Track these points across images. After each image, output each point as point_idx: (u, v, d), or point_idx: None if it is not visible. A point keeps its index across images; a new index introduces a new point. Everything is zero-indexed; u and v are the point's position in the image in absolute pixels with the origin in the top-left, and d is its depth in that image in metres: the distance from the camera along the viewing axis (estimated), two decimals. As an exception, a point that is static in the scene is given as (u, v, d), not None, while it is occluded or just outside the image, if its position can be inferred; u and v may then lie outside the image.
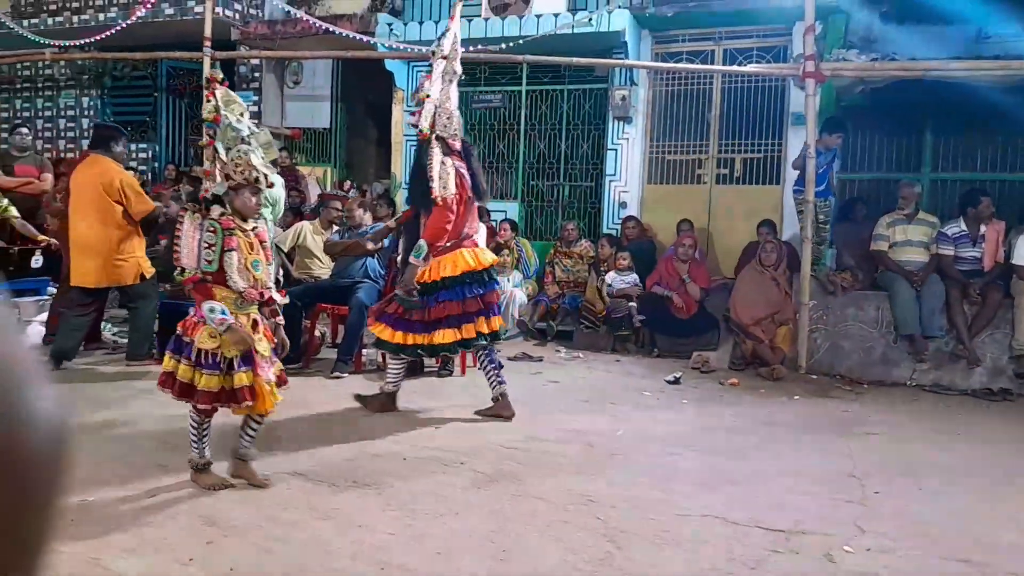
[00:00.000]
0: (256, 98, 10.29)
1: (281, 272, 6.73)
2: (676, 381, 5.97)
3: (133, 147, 11.24)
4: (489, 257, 4.70)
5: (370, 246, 6.02)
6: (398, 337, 4.51)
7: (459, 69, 4.61)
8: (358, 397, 4.82)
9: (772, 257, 6.82)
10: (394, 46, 8.48)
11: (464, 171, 4.50)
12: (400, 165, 9.55)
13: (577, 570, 2.70)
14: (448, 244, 4.48)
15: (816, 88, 6.54)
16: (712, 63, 8.21)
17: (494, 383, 4.74)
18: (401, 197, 9.46)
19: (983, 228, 6.38)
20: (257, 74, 10.28)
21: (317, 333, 6.30)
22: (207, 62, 7.52)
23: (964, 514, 3.40)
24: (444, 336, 4.47)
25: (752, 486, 3.67)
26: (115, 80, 11.42)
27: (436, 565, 2.70)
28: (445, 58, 4.49)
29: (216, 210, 3.24)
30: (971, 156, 7.75)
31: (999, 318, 6.13)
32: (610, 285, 7.42)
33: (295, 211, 8.66)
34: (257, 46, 9.74)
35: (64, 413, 0.52)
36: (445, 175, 4.35)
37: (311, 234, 7.17)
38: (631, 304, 7.19)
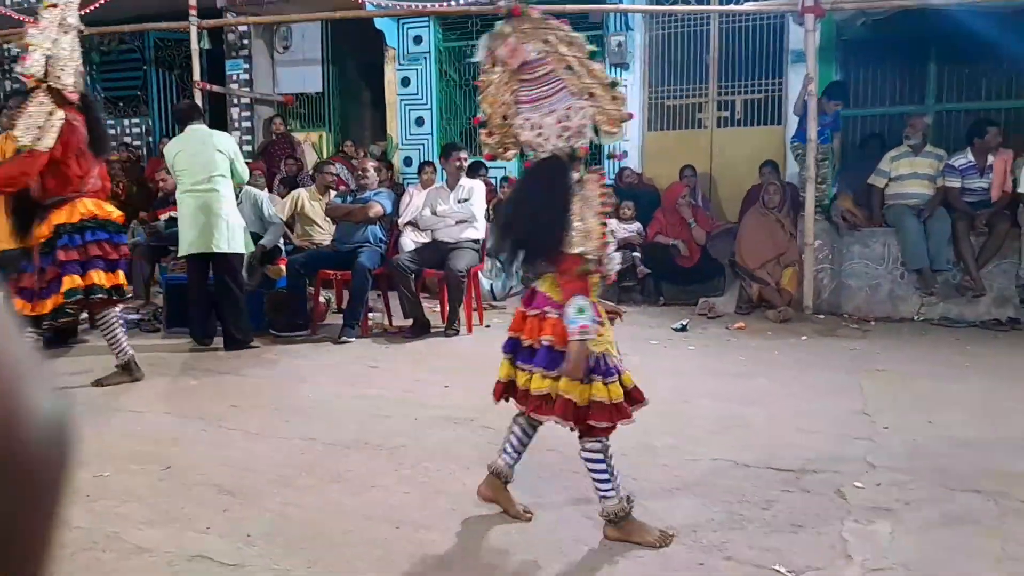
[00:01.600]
0: (246, 65, 10.16)
1: (282, 240, 6.71)
2: (683, 328, 5.96)
3: (126, 122, 11.18)
4: (114, 211, 4.47)
5: (372, 212, 5.97)
6: (27, 309, 4.20)
7: (74, 20, 4.31)
8: (96, 383, 4.53)
9: (775, 199, 6.76)
10: (383, 4, 8.32)
11: (79, 124, 4.28)
12: (396, 126, 9.45)
13: (590, 518, 2.72)
14: (67, 197, 4.26)
15: (816, 23, 6.38)
16: (708, 3, 8.03)
17: (117, 350, 4.51)
18: (399, 158, 9.40)
19: (991, 158, 6.28)
20: (246, 41, 10.12)
21: (322, 299, 6.31)
22: (194, 32, 7.41)
23: (975, 445, 3.41)
24: (69, 283, 4.19)
25: (762, 428, 3.69)
26: (103, 55, 11.27)
27: (450, 521, 2.72)
28: (55, 5, 4.21)
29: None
30: (976, 85, 7.60)
31: (1007, 247, 6.07)
32: (612, 232, 7.35)
33: (291, 181, 8.59)
34: (244, 12, 9.56)
35: (65, 411, 0.50)
36: (47, 127, 4.10)
37: (308, 200, 7.13)
38: (634, 255, 7.15)
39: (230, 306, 5.47)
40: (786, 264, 6.59)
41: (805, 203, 6.46)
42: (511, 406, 2.74)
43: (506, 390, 2.67)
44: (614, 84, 2.57)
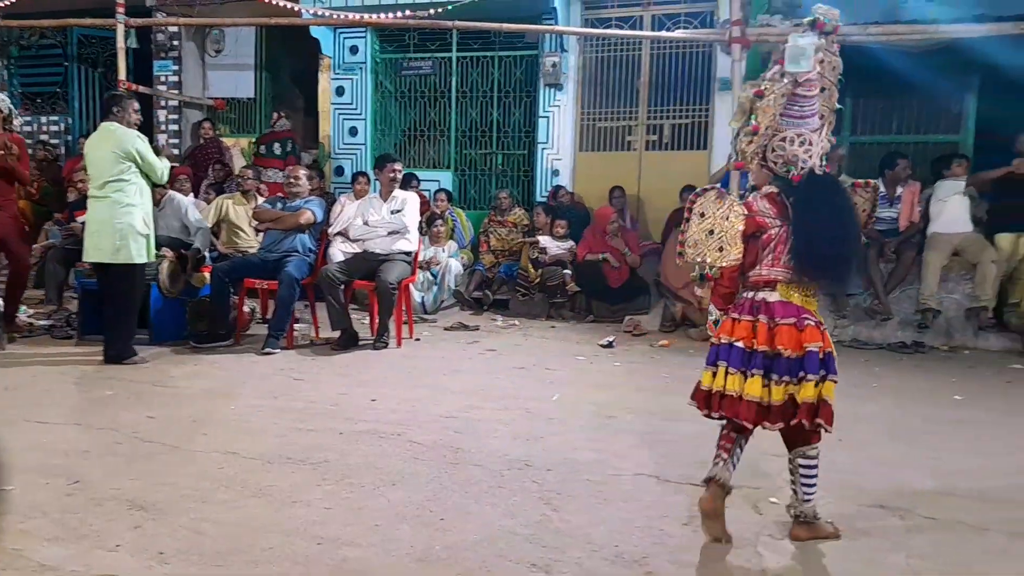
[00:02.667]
0: (176, 67, 9.89)
1: (207, 248, 6.54)
2: (610, 345, 6.06)
3: (44, 120, 10.72)
4: None
5: (302, 219, 5.88)
6: None
7: None
8: None
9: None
10: (319, 12, 8.24)
11: None
12: (329, 134, 9.34)
13: (515, 534, 2.73)
14: None
15: (742, 53, 6.63)
16: (641, 29, 8.24)
17: None
18: (330, 167, 9.29)
19: (899, 189, 6.63)
20: (176, 42, 9.86)
21: (246, 309, 6.16)
22: (120, 30, 7.18)
23: (882, 462, 3.57)
24: None
25: (684, 444, 3.77)
26: (22, 49, 10.80)
27: (374, 537, 2.69)
28: None
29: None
30: (888, 119, 7.99)
31: (912, 275, 6.40)
32: (543, 249, 7.44)
33: (218, 187, 8.39)
34: (175, 13, 9.32)
35: None
36: None
37: (233, 206, 6.97)
38: (565, 272, 7.24)
39: (109, 318, 5.24)
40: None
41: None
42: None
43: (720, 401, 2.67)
44: (837, 111, 2.72)
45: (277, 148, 8.96)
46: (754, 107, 2.67)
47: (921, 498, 3.13)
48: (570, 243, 7.45)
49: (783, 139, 2.62)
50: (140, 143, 5.22)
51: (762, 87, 2.66)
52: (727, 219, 2.71)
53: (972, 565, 2.59)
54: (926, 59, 6.62)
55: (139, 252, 5.19)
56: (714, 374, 2.68)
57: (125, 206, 5.14)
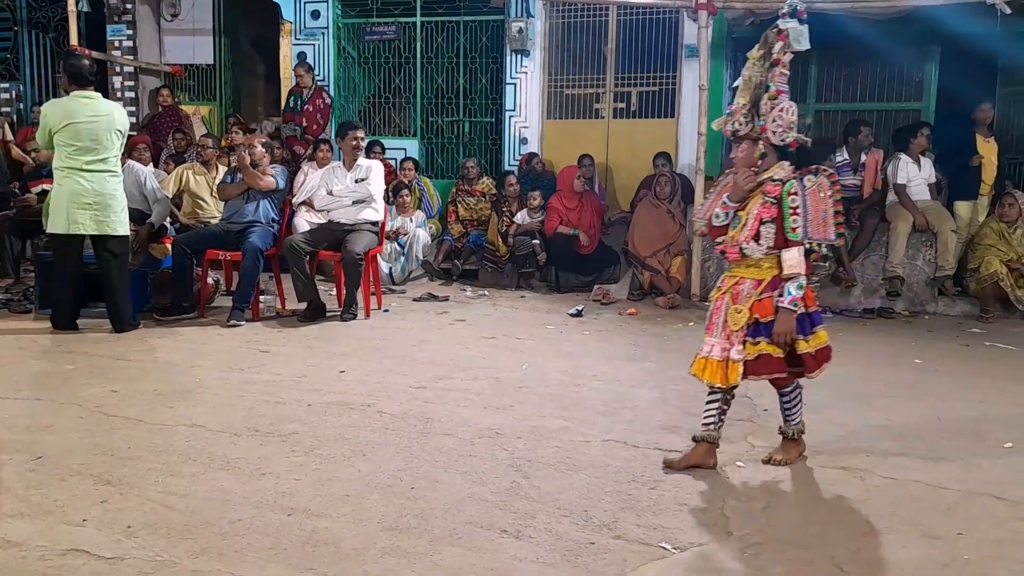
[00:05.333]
0: (130, 32, 9.57)
1: (168, 219, 6.41)
2: (578, 314, 6.09)
3: (-6, 87, 10.35)
4: None
5: (263, 184, 5.76)
6: None
7: None
8: None
9: (666, 190, 6.99)
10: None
11: None
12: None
13: (485, 501, 2.75)
14: None
15: (708, 20, 6.61)
16: (607, -5, 8.16)
17: None
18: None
19: (863, 156, 6.71)
20: (129, 6, 9.53)
21: (210, 280, 6.07)
22: (70, -8, 6.93)
23: (843, 425, 3.65)
24: None
25: (651, 410, 3.82)
26: (-33, 13, 10.38)
27: (343, 507, 2.69)
28: None
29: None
30: (852, 87, 8.06)
31: (875, 242, 6.51)
32: (519, 224, 7.38)
33: (179, 157, 8.19)
34: (127, -26, 9.02)
35: None
36: None
37: (193, 176, 6.82)
38: (535, 242, 7.23)
39: (116, 289, 5.26)
40: (676, 253, 6.83)
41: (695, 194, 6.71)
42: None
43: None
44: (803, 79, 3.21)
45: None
46: (771, 75, 2.97)
47: (879, 459, 3.22)
48: (541, 214, 7.41)
49: (782, 109, 2.93)
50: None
51: (777, 56, 2.99)
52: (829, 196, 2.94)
53: (930, 523, 2.67)
54: (889, 27, 6.67)
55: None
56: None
57: (118, 177, 5.24)
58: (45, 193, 6.87)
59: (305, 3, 8.97)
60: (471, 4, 8.52)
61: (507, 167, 8.45)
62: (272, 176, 5.85)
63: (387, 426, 3.51)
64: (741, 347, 2.97)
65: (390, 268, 7.25)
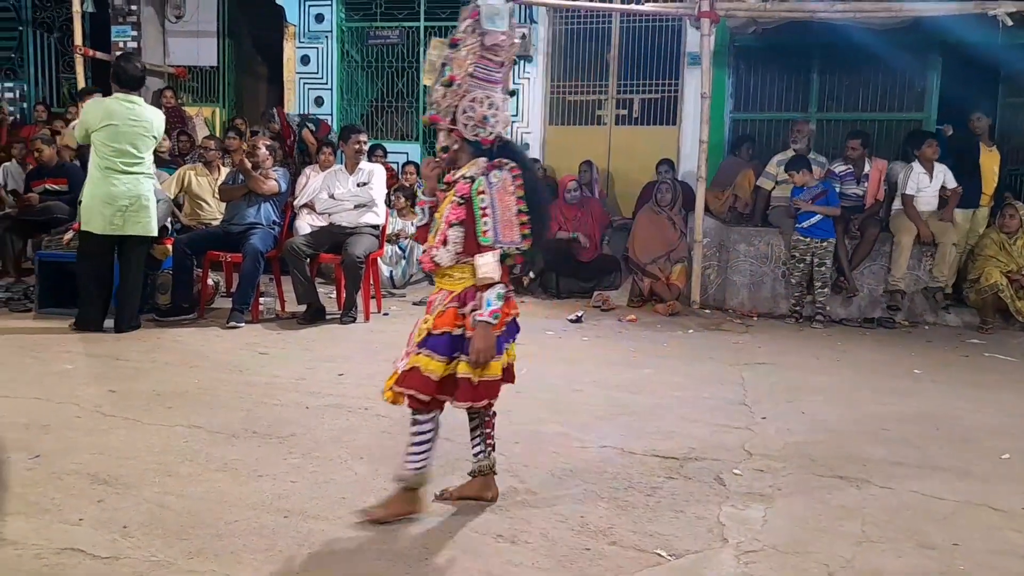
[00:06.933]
0: (134, 33, 9.62)
1: (170, 220, 6.42)
2: (578, 320, 6.09)
3: (-2, 86, 10.40)
4: None
5: (266, 187, 5.78)
6: None
7: None
8: None
9: (667, 197, 7.00)
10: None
11: None
12: (294, 104, 9.19)
13: (481, 506, 2.75)
14: None
15: (711, 28, 6.63)
16: (611, 1, 8.19)
17: None
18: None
19: (867, 166, 6.70)
20: (134, 7, 9.58)
21: (210, 282, 6.07)
22: (76, -7, 6.96)
23: (841, 433, 3.65)
24: None
25: (648, 417, 3.82)
26: (-27, 13, 10.42)
27: (340, 510, 2.69)
28: None
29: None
30: (855, 96, 8.07)
31: (876, 251, 6.51)
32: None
33: (180, 158, 8.20)
34: (132, -24, 9.06)
35: None
36: None
37: (196, 177, 6.84)
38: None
39: (130, 289, 5.34)
40: (676, 260, 6.84)
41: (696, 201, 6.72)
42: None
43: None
44: (512, 92, 2.74)
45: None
46: (448, 58, 2.56)
47: (876, 468, 3.22)
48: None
49: (473, 99, 2.52)
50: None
51: (457, 37, 2.55)
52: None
53: (925, 532, 2.67)
54: (891, 37, 6.68)
55: None
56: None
57: (152, 179, 5.39)
58: (47, 193, 6.91)
59: (309, 7, 9.01)
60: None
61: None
62: (275, 180, 5.87)
63: (384, 429, 3.51)
64: (407, 359, 2.57)
65: (391, 271, 7.26)
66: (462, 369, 2.52)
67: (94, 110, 5.14)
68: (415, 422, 2.62)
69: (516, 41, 2.61)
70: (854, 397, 4.27)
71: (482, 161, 2.56)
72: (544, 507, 2.76)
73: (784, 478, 3.11)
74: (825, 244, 6.29)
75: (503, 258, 2.50)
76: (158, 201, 6.11)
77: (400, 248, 7.41)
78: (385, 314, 6.17)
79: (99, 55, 8.24)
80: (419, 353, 2.54)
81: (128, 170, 5.11)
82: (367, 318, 5.89)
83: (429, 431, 2.61)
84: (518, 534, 2.56)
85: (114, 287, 5.30)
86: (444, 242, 2.56)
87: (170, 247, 5.88)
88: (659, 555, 2.45)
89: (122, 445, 3.24)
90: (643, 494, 2.90)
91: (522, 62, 8.40)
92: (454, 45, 2.53)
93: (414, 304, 6.68)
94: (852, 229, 6.55)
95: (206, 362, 4.59)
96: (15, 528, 2.50)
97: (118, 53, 7.06)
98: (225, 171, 6.74)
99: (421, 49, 8.86)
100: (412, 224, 7.57)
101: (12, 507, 2.64)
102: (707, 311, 6.61)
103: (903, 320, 6.41)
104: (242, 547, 2.43)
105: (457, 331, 2.54)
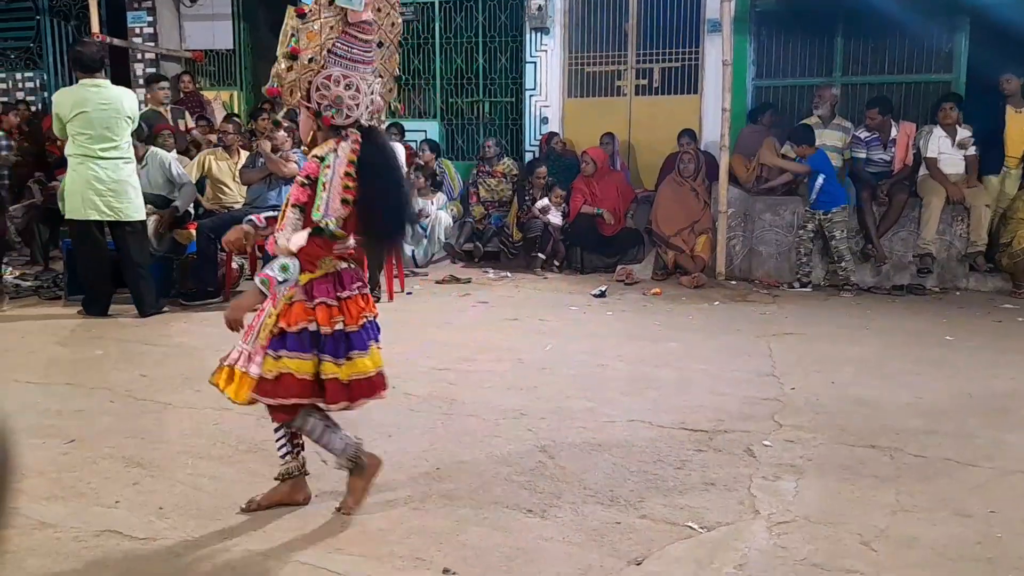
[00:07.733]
0: (150, 18, 9.62)
1: (192, 204, 6.45)
2: (602, 294, 6.06)
3: (19, 76, 10.46)
4: None
5: (287, 170, 5.79)
6: None
7: None
8: None
9: (690, 168, 6.91)
10: (296, -42, 7.99)
11: None
12: (312, 86, 9.14)
13: (510, 481, 2.76)
14: None
15: (731, -7, 6.50)
16: (628, -31, 8.05)
17: None
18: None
19: (894, 131, 6.55)
20: (149, -8, 9.58)
21: (234, 265, 6.11)
22: (91, -21, 6.97)
23: (871, 403, 3.60)
24: None
25: (675, 390, 3.80)
26: (-9, 3, 10.48)
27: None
28: None
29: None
30: (880, 59, 7.89)
31: (904, 217, 6.39)
32: (541, 210, 7.21)
33: (196, 144, 8.20)
34: (146, -39, 9.05)
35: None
36: None
37: (216, 161, 6.86)
38: (548, 219, 7.08)
39: (139, 274, 5.34)
40: (700, 231, 6.76)
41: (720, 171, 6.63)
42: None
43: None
44: (399, 79, 2.65)
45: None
46: (296, 29, 2.39)
47: (909, 437, 3.18)
48: (564, 207, 7.29)
49: (328, 77, 2.36)
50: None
51: (306, 8, 2.38)
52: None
53: (961, 501, 2.63)
54: (917, -2, 6.51)
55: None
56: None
57: (132, 164, 5.32)
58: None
59: (323, -14, 8.93)
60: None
61: (528, 147, 8.40)
62: (295, 162, 5.87)
63: (412, 407, 3.52)
64: (261, 360, 2.40)
65: (412, 251, 7.25)
66: (327, 369, 2.37)
67: (64, 101, 5.10)
68: (299, 431, 2.51)
69: (397, 22, 2.55)
70: (885, 366, 4.21)
71: (333, 141, 2.40)
72: (573, 482, 2.76)
73: (815, 448, 3.08)
74: (830, 216, 6.20)
75: (320, 232, 2.31)
76: (182, 184, 6.17)
77: (422, 227, 7.39)
78: (408, 293, 6.18)
79: (116, 42, 8.25)
80: (279, 356, 2.35)
81: (106, 156, 5.09)
82: (390, 297, 5.90)
83: (320, 422, 2.48)
84: (548, 509, 2.56)
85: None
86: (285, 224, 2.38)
87: (194, 231, 5.92)
88: (690, 527, 2.44)
89: (154, 428, 3.28)
90: (673, 467, 2.89)
91: (539, 34, 8.31)
92: (301, 16, 2.37)
93: (437, 283, 6.69)
94: (880, 195, 6.43)
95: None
96: (53, 512, 2.54)
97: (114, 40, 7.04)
98: (245, 155, 6.75)
99: (437, 25, 8.79)
100: (433, 203, 7.55)
101: (49, 491, 2.69)
102: (732, 282, 6.54)
103: (933, 286, 6.31)
104: (276, 527, 2.45)
105: (312, 326, 2.37)
